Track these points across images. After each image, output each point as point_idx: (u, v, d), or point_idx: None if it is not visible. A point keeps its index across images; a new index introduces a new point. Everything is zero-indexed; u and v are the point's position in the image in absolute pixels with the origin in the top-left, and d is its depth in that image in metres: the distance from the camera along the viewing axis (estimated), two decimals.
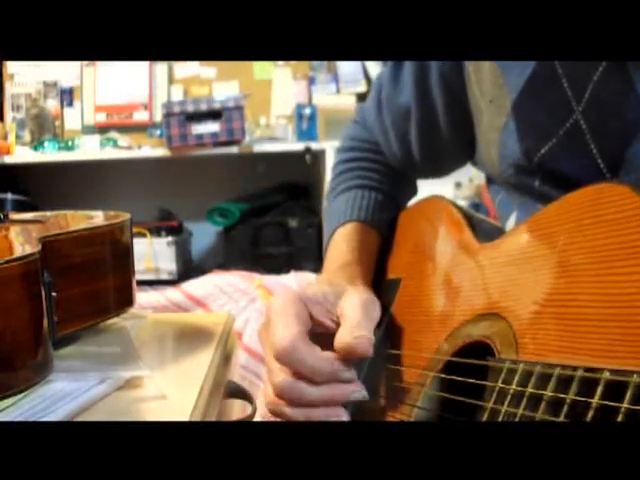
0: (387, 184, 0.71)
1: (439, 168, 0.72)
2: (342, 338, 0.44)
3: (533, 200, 0.53)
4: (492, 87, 0.54)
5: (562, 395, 0.34)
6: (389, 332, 0.58)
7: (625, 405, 0.30)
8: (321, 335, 0.48)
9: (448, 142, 0.65)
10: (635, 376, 0.30)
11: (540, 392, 0.36)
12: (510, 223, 0.59)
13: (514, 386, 0.38)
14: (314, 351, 0.44)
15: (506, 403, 0.38)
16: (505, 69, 0.52)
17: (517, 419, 0.37)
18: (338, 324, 0.47)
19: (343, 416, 0.44)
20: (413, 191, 0.75)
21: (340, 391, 0.44)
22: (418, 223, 0.64)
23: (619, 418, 0.30)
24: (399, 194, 0.72)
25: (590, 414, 0.32)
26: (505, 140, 0.53)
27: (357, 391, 0.45)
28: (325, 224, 0.72)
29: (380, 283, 0.62)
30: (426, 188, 0.76)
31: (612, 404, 0.31)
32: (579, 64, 0.48)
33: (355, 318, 0.46)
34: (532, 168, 0.52)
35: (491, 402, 0.40)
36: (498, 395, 0.39)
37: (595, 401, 0.32)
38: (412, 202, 0.72)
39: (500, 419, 0.38)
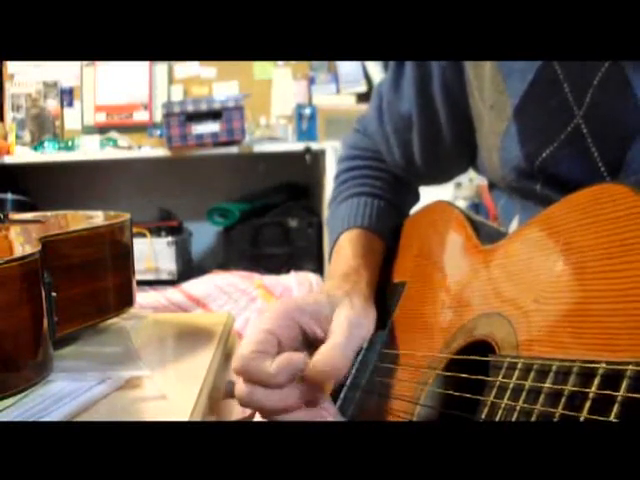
0: (389, 191, 0.71)
1: (441, 174, 0.72)
2: (314, 363, 0.45)
3: (535, 204, 0.53)
4: (493, 93, 0.54)
5: (560, 387, 0.35)
6: (393, 333, 0.58)
7: (621, 394, 0.31)
8: (314, 341, 0.49)
9: (450, 148, 0.65)
10: (631, 366, 0.31)
11: (539, 385, 0.36)
12: (513, 227, 0.59)
13: (514, 380, 0.39)
14: (263, 369, 0.45)
15: (505, 397, 0.39)
16: (506, 74, 0.53)
17: (516, 412, 0.37)
18: (327, 336, 0.48)
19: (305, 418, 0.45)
20: (416, 198, 0.76)
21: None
22: (423, 227, 0.64)
23: (615, 407, 0.31)
24: (401, 201, 0.72)
25: (587, 405, 0.32)
26: (507, 145, 0.54)
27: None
28: (328, 232, 0.72)
29: (384, 288, 0.62)
30: (426, 189, 0.76)
31: (609, 393, 0.32)
32: (579, 68, 0.48)
33: (336, 339, 0.47)
34: (533, 172, 0.52)
35: (491, 397, 0.40)
36: (498, 390, 0.40)
37: (592, 391, 0.32)
38: (416, 208, 0.72)
39: (500, 413, 0.39)
